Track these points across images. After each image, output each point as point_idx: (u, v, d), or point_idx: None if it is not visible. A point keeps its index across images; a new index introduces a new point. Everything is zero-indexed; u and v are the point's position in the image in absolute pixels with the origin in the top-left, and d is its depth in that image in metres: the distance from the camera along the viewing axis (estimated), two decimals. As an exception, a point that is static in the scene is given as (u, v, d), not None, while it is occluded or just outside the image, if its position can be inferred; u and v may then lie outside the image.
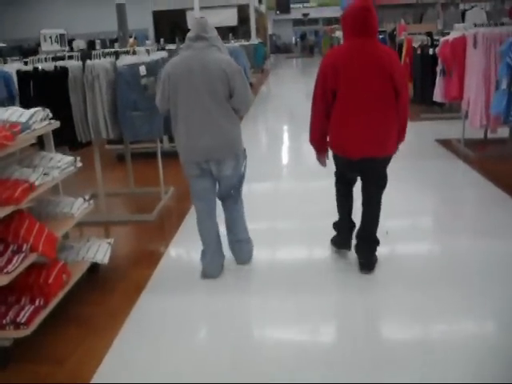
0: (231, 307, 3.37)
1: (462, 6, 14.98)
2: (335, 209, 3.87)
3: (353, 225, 3.84)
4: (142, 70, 4.54)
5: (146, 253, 4.31)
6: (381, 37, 13.11)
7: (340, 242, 3.92)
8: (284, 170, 7.13)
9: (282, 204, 5.25)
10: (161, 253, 4.21)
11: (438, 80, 6.91)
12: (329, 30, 28.84)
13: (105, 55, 5.00)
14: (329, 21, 34.73)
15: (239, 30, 24.11)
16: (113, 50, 5.48)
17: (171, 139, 7.05)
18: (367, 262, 3.63)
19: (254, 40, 19.89)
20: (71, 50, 11.70)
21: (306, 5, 35.86)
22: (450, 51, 6.29)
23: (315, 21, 38.65)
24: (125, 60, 4.66)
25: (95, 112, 4.53)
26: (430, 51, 8.40)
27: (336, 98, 3.33)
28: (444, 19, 13.26)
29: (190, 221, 4.82)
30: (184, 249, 4.40)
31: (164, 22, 24.83)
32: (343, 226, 3.87)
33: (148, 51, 4.97)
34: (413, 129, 8.53)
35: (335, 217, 3.93)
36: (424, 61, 8.57)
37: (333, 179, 3.85)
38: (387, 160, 3.50)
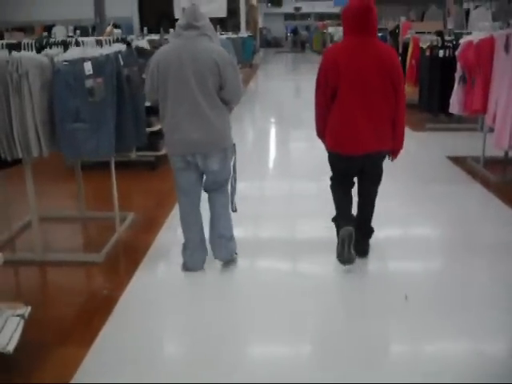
0: None
1: (466, 5, 14.06)
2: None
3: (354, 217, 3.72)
4: (88, 67, 3.41)
5: (82, 319, 3.14)
6: (380, 35, 12.16)
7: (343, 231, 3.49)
8: (270, 177, 6.31)
9: (268, 210, 4.86)
10: (103, 319, 3.04)
11: (457, 89, 5.86)
12: (321, 25, 27.84)
13: (50, 45, 3.90)
14: (321, 16, 33.85)
15: (228, 22, 23.15)
16: (61, 39, 4.37)
17: (138, 148, 5.93)
18: (362, 249, 3.70)
19: (244, 33, 18.79)
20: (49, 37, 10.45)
21: (298, -2, 35.04)
22: (474, 55, 5.24)
23: (307, 15, 37.81)
24: (67, 54, 3.55)
25: (23, 122, 3.39)
26: (441, 53, 7.45)
27: (336, 96, 3.36)
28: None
29: (151, 261, 3.79)
30: (137, 312, 3.18)
31: (150, 10, 23.72)
32: (343, 216, 3.65)
33: (100, 42, 3.81)
34: (418, 141, 7.62)
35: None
36: (433, 64, 7.58)
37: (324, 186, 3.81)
38: (384, 155, 3.59)
